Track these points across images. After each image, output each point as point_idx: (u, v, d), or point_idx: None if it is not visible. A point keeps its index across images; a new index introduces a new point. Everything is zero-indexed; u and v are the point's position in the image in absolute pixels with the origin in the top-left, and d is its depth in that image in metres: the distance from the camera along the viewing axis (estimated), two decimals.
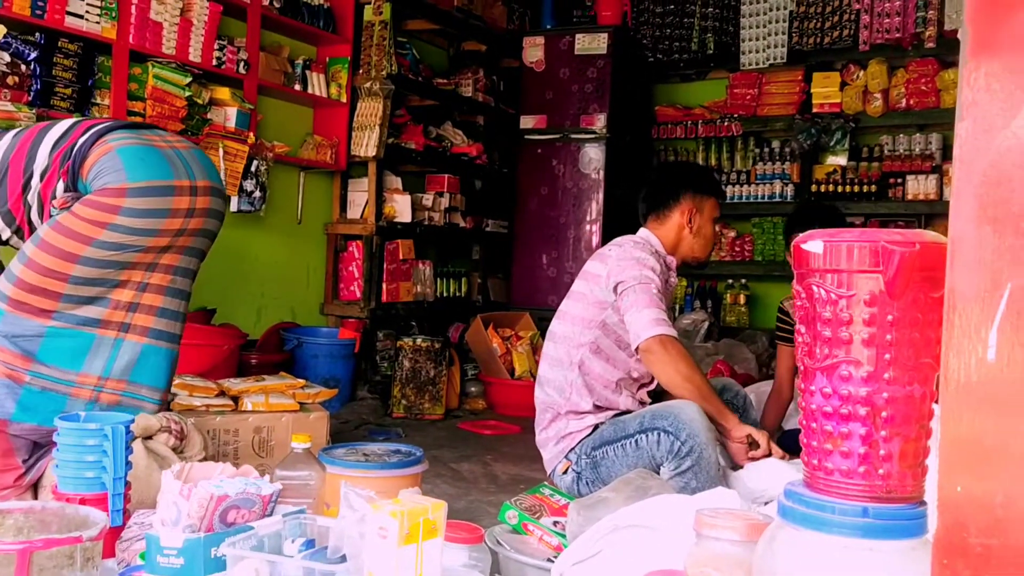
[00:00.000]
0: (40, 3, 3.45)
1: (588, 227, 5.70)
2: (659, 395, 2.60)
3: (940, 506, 0.79)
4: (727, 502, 1.49)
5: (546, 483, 2.43)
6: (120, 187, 2.18)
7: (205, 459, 2.37)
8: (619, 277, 2.47)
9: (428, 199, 5.44)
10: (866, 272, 0.93)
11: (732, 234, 6.09)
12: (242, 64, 4.28)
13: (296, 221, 4.91)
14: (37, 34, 3.49)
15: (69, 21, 3.55)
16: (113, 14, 3.70)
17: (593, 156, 5.71)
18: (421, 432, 4.19)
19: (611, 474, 2.36)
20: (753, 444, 2.35)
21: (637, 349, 2.40)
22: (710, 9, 6.11)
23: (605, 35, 5.68)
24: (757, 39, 5.96)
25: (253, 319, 4.66)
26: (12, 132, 2.40)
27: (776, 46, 5.89)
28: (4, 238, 2.39)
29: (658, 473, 2.31)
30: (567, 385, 2.54)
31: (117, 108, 3.70)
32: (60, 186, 2.27)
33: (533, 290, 5.80)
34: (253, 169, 4.35)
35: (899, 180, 5.57)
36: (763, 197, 5.96)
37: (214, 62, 4.15)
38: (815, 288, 0.96)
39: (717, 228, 2.75)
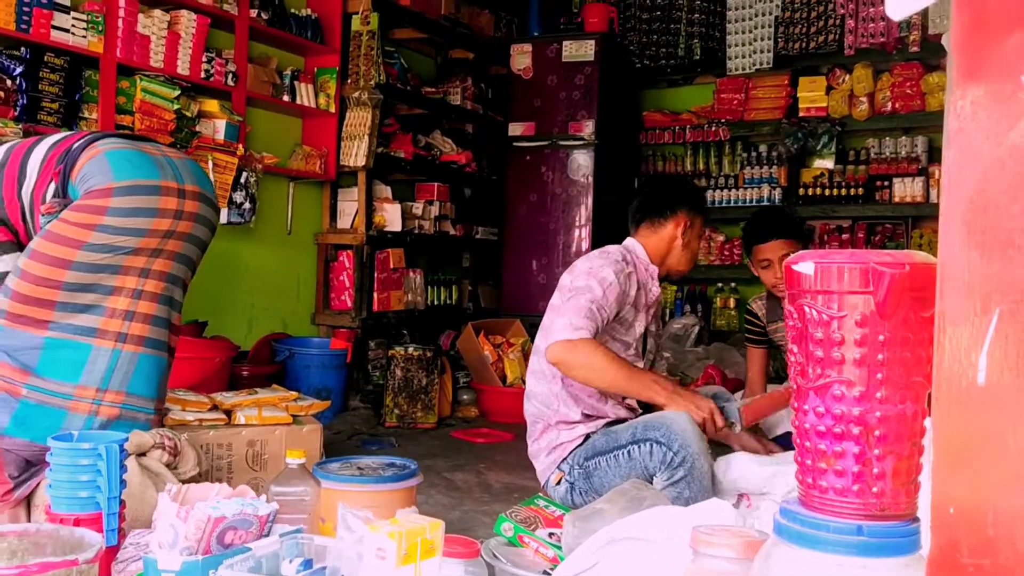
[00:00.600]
0: (25, 17, 3.44)
1: (577, 232, 5.72)
2: (647, 407, 2.62)
3: (933, 526, 0.80)
4: (722, 515, 1.51)
5: (541, 494, 2.44)
6: (106, 187, 2.20)
7: (199, 474, 2.37)
8: (571, 285, 2.51)
9: (418, 208, 5.45)
10: (857, 293, 0.94)
11: (721, 238, 6.12)
12: (230, 76, 4.28)
13: (286, 232, 4.90)
14: (22, 48, 3.48)
15: (55, 35, 3.54)
16: (100, 28, 3.69)
17: (582, 162, 5.73)
18: (414, 441, 4.20)
19: (604, 484, 2.38)
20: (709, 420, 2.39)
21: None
22: (696, 15, 6.15)
23: (592, 42, 5.70)
24: (743, 44, 6.00)
25: (244, 330, 4.65)
26: (8, 144, 2.43)
27: (762, 51, 5.93)
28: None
29: (652, 482, 2.33)
30: (553, 397, 2.55)
31: (105, 122, 3.70)
32: (51, 188, 2.28)
33: (523, 296, 5.81)
34: (243, 181, 4.35)
35: (886, 183, 5.61)
36: (751, 201, 6.00)
37: (202, 75, 4.14)
38: (806, 308, 0.97)
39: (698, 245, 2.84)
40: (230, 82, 4.28)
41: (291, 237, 4.94)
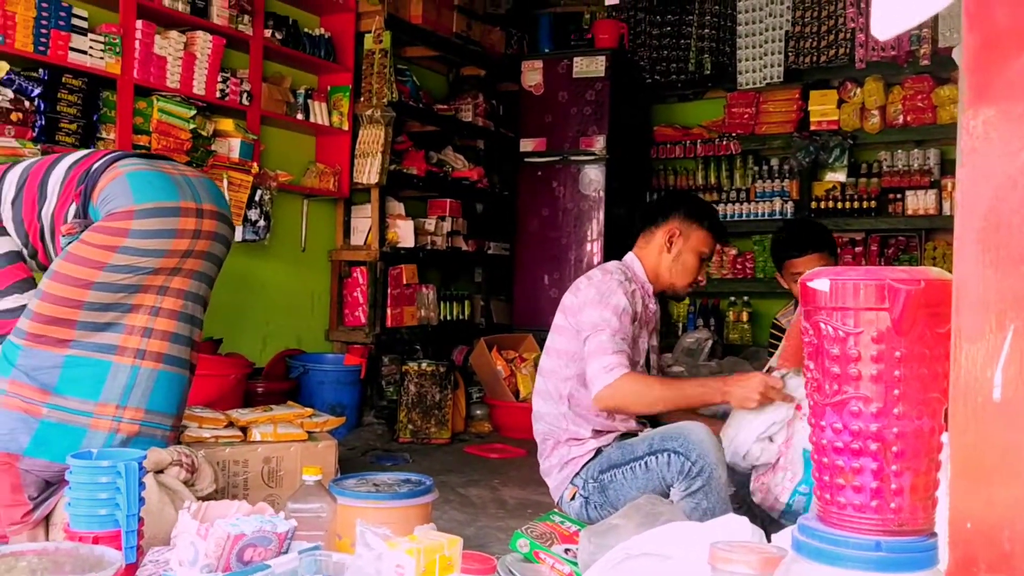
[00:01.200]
0: (43, 39, 3.49)
1: (589, 246, 5.73)
2: (658, 421, 2.62)
3: (950, 541, 0.81)
4: (739, 531, 1.51)
5: (556, 510, 2.44)
6: (128, 209, 2.22)
7: (216, 491, 2.39)
8: (583, 321, 2.48)
9: (430, 224, 5.47)
10: (873, 309, 0.95)
11: (733, 252, 6.12)
12: (245, 95, 4.32)
13: (300, 249, 4.94)
14: (41, 70, 3.53)
15: (73, 57, 3.59)
16: (117, 49, 3.74)
17: (593, 177, 5.75)
18: (428, 457, 4.20)
19: (620, 497, 2.37)
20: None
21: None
22: (707, 31, 6.18)
23: (603, 58, 5.73)
24: (754, 59, 6.02)
25: (259, 347, 4.67)
26: (27, 162, 2.47)
27: (772, 65, 5.95)
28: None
29: (668, 495, 2.32)
30: (561, 417, 2.55)
31: (122, 142, 3.74)
32: (72, 209, 2.31)
33: (536, 311, 5.82)
34: (257, 198, 4.39)
35: (898, 195, 5.61)
36: (763, 215, 6.00)
37: (217, 94, 4.19)
38: (823, 325, 0.98)
39: (704, 266, 2.67)
40: (245, 101, 4.33)
41: (305, 254, 4.97)
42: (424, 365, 4.64)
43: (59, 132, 3.56)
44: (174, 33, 4.00)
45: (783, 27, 5.92)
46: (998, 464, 0.76)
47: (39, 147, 3.43)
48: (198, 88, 4.08)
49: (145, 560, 1.76)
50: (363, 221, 5.08)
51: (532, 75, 5.89)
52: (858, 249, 5.74)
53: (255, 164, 4.31)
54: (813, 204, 5.83)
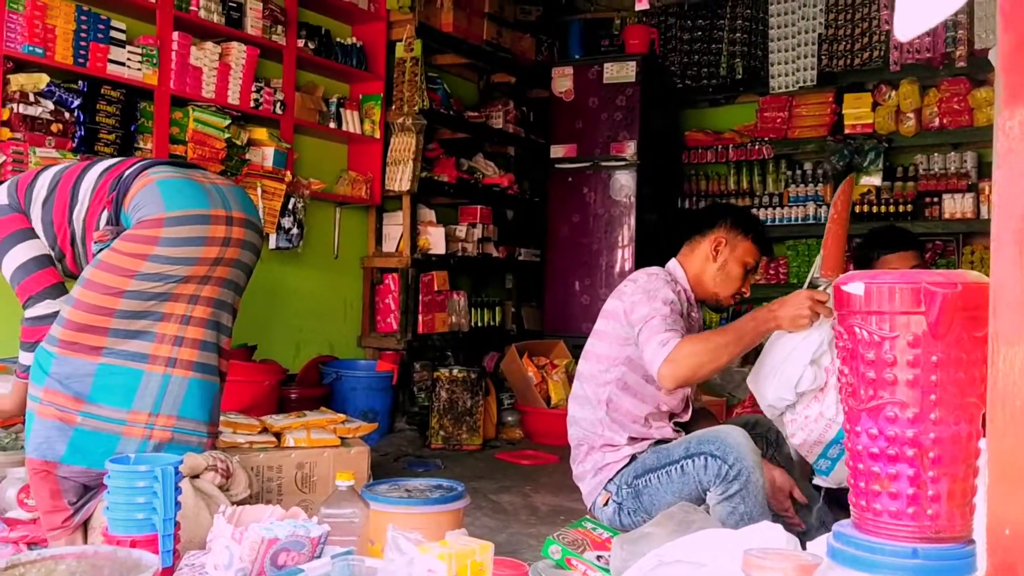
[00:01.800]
0: (82, 52, 3.56)
1: (620, 252, 5.72)
2: (689, 428, 2.60)
3: (988, 548, 0.79)
4: (774, 538, 1.49)
5: (588, 516, 2.43)
6: (158, 217, 2.24)
7: (250, 496, 2.41)
8: (634, 318, 2.45)
9: (461, 230, 5.49)
10: (908, 313, 0.93)
11: (766, 257, 6.07)
12: (278, 105, 4.37)
13: (333, 256, 4.98)
14: (80, 82, 3.60)
15: (111, 69, 3.66)
16: (154, 60, 3.80)
17: (624, 182, 5.74)
18: (459, 463, 4.21)
19: (654, 503, 2.35)
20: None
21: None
22: (738, 34, 6.14)
23: (633, 63, 5.72)
24: (786, 62, 5.97)
25: (292, 353, 4.72)
26: (59, 166, 2.50)
27: (806, 68, 5.89)
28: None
29: (704, 499, 2.30)
30: (597, 423, 2.53)
31: (159, 152, 3.80)
32: (104, 216, 2.34)
33: (567, 317, 5.82)
34: (290, 206, 4.43)
35: (935, 199, 5.53)
36: (796, 220, 5.94)
37: (252, 104, 4.24)
38: (857, 330, 0.97)
39: (749, 279, 2.65)
40: (278, 110, 4.38)
41: (338, 261, 5.01)
42: (455, 371, 4.65)
43: (98, 143, 3.62)
44: (209, 44, 4.06)
45: (816, 30, 5.87)
46: None
47: (78, 157, 3.49)
48: (232, 98, 4.14)
49: (181, 564, 1.78)
50: (395, 228, 5.11)
51: (562, 81, 5.90)
52: None
53: (288, 172, 4.36)
54: None
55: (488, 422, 4.78)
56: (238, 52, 4.15)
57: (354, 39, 4.95)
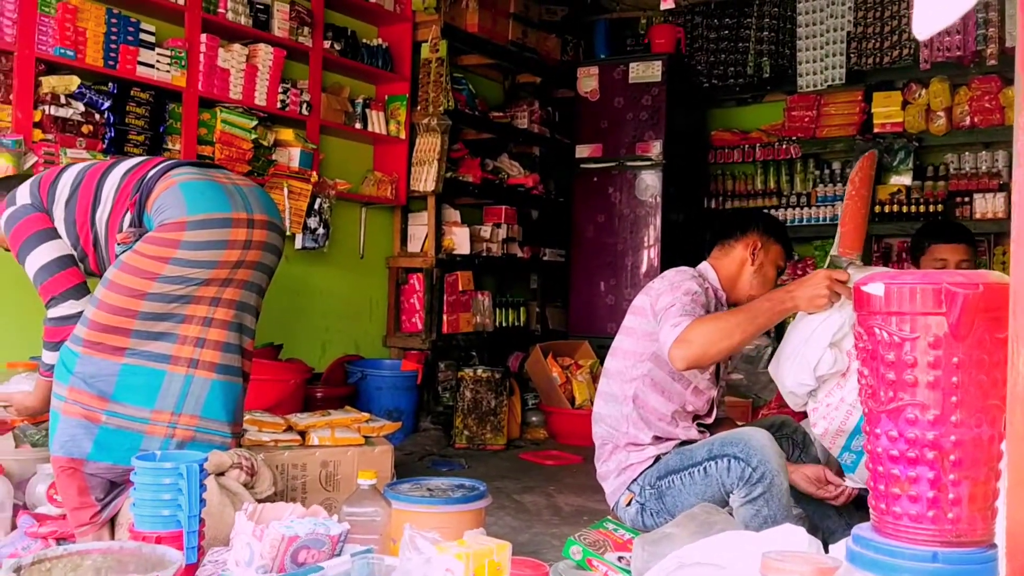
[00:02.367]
0: (112, 54, 3.61)
1: (646, 253, 5.69)
2: (713, 430, 2.58)
3: (1009, 552, 0.78)
4: (795, 541, 1.48)
5: (610, 517, 2.42)
6: (180, 221, 2.26)
7: (275, 494, 2.43)
8: (657, 308, 2.44)
9: (486, 231, 5.50)
10: (929, 314, 0.92)
11: (794, 257, 6.02)
12: (305, 106, 4.41)
13: (358, 256, 5.01)
14: (110, 84, 3.65)
15: (140, 71, 3.71)
16: (183, 63, 3.85)
17: (649, 183, 5.71)
18: (483, 463, 4.21)
19: (677, 504, 2.33)
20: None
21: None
22: (765, 33, 6.09)
23: (659, 63, 5.70)
24: (814, 61, 5.91)
25: (318, 353, 4.75)
26: (82, 164, 2.52)
27: (834, 67, 5.83)
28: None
29: (727, 501, 2.29)
30: (623, 419, 2.52)
31: (187, 153, 3.85)
32: (127, 218, 2.36)
33: (592, 318, 5.80)
34: (316, 207, 4.47)
35: (966, 199, 5.45)
36: (825, 220, 5.88)
37: (278, 105, 4.28)
38: (877, 331, 0.95)
39: (778, 281, 2.65)
40: (304, 111, 4.41)
41: (363, 261, 5.04)
42: (480, 371, 4.66)
43: (128, 144, 3.67)
44: (237, 46, 4.10)
45: (844, 27, 5.80)
46: None
47: (108, 158, 3.53)
48: (260, 99, 4.18)
49: (205, 560, 1.80)
50: (420, 228, 5.13)
51: (588, 81, 5.89)
52: None
53: (314, 173, 4.39)
54: (877, 208, 5.69)
55: (512, 422, 4.79)
56: (265, 54, 4.19)
57: (380, 40, 4.98)
